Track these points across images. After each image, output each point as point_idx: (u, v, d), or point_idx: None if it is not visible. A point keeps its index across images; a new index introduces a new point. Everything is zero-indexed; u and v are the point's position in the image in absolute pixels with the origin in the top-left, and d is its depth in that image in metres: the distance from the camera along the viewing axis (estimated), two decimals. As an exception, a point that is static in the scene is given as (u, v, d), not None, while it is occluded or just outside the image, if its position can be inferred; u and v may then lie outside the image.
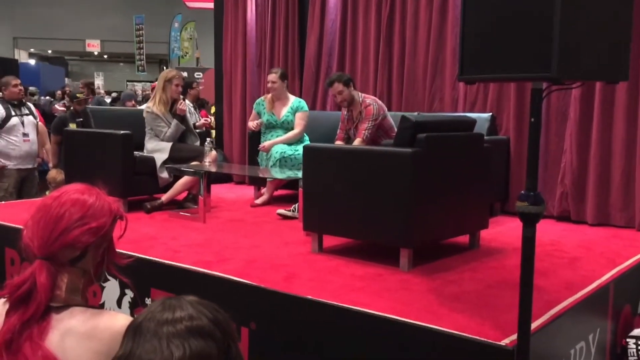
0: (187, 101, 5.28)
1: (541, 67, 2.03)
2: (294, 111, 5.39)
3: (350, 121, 5.06)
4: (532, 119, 2.16)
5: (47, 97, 12.03)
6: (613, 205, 4.54)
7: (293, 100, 5.47)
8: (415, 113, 5.00)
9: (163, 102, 5.05)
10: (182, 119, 5.16)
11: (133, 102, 7.75)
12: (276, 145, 5.25)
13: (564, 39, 1.98)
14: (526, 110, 4.66)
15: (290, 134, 5.33)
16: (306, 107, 5.48)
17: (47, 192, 6.35)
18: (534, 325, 2.37)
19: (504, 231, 4.26)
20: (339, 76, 5.00)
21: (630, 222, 4.47)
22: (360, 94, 5.06)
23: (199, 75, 14.77)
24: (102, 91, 16.30)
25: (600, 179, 4.55)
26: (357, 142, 4.81)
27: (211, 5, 7.89)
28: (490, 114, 5.02)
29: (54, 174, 6.41)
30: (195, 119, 5.77)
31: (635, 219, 4.41)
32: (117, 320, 1.40)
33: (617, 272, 3.30)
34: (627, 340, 3.13)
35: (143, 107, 5.87)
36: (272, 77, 5.39)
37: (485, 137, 3.98)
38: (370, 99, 5.00)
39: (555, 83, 2.13)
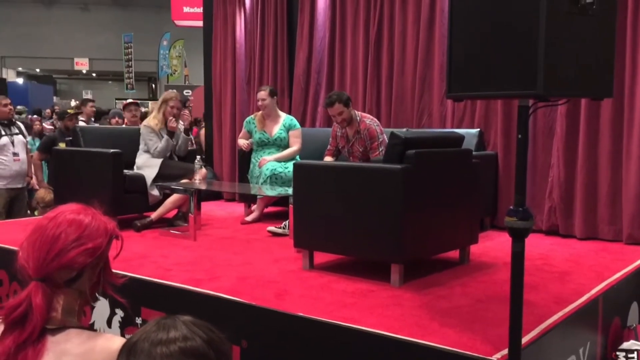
0: (180, 122, 5.33)
1: (527, 85, 2.07)
2: (287, 129, 5.42)
3: (344, 139, 5.05)
4: (520, 136, 2.19)
5: (35, 116, 11.99)
6: (601, 219, 4.59)
7: (284, 117, 5.50)
8: (404, 129, 5.04)
9: (158, 119, 5.21)
10: (172, 135, 5.25)
11: (117, 119, 7.73)
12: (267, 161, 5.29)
13: (549, 57, 2.02)
14: (513, 126, 4.72)
15: (289, 151, 5.35)
16: (298, 125, 5.51)
17: (35, 212, 6.31)
18: (524, 339, 2.38)
19: (493, 246, 4.28)
20: (339, 96, 4.87)
21: (618, 236, 4.51)
22: (357, 112, 5.01)
23: (188, 92, 14.80)
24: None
25: (587, 193, 4.60)
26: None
27: (200, 23, 7.94)
28: (478, 129, 5.07)
29: (43, 193, 6.37)
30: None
31: (623, 233, 4.45)
32: (114, 343, 1.39)
33: (606, 286, 3.33)
34: (617, 353, 3.15)
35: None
36: (262, 94, 5.41)
37: (474, 153, 4.02)
38: (368, 118, 4.96)
39: (541, 100, 2.17)
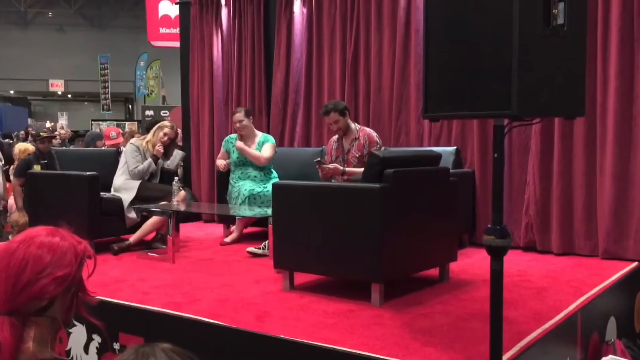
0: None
1: (502, 105, 2.10)
2: (262, 146, 5.41)
3: (340, 149, 5.08)
4: (496, 155, 2.22)
5: (7, 140, 11.82)
6: (577, 234, 4.64)
7: (260, 135, 5.50)
8: (382, 148, 5.07)
9: (150, 142, 5.29)
10: (156, 160, 5.26)
11: (103, 141, 7.55)
12: (245, 182, 5.27)
13: (523, 78, 2.06)
14: (489, 143, 4.78)
15: (257, 153, 5.33)
16: (272, 140, 5.50)
17: (10, 237, 6.20)
18: (505, 357, 2.40)
19: (472, 263, 4.31)
20: (335, 105, 4.97)
21: (594, 251, 4.56)
22: (356, 124, 5.10)
23: (166, 113, 14.74)
24: (63, 131, 16.04)
25: (563, 209, 4.66)
26: None
27: (176, 44, 7.93)
28: (455, 147, 5.12)
29: (17, 216, 6.27)
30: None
31: (599, 247, 4.51)
32: None
33: (584, 301, 3.36)
34: (596, 368, 3.17)
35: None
36: (238, 116, 5.40)
37: (451, 171, 4.05)
38: (368, 128, 5.09)
39: (515, 119, 2.21)
